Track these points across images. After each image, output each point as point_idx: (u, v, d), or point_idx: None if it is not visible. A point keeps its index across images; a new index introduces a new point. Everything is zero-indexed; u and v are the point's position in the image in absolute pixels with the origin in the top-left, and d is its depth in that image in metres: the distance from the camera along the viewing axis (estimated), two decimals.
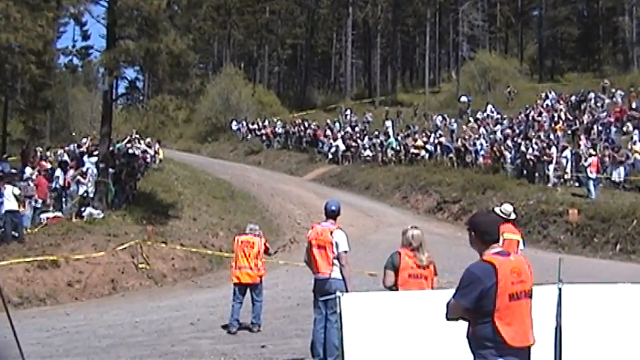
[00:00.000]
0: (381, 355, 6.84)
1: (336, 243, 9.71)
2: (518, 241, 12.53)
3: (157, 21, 24.79)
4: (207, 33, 68.85)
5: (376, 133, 47.87)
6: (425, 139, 42.29)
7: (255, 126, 57.06)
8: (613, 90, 46.71)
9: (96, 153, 27.64)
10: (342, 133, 50.20)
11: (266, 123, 57.29)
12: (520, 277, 5.13)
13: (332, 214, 10.11)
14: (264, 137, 55.11)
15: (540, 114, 42.94)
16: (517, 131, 39.76)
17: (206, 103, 56.78)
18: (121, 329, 14.66)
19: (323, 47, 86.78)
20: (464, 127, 43.85)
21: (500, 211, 12.76)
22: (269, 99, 69.39)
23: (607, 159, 31.83)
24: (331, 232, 9.88)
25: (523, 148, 34.25)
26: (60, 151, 35.80)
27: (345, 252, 9.85)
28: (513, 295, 5.06)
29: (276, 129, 54.95)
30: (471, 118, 47.30)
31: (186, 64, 26.30)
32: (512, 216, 12.79)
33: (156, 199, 29.28)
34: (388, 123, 51.07)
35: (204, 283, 22.68)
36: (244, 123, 57.95)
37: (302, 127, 53.84)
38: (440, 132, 44.45)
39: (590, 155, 30.54)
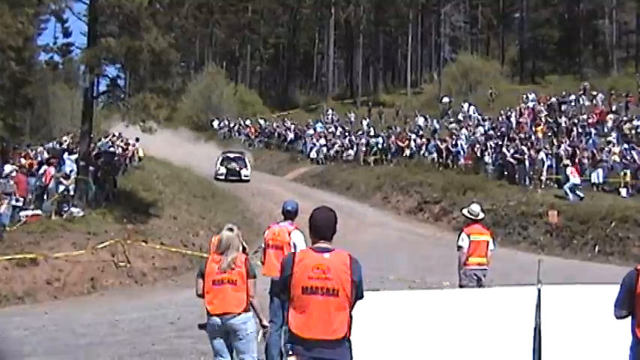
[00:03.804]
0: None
1: (294, 244, 9.54)
2: (488, 242, 12.54)
3: (138, 19, 24.66)
4: (189, 31, 68.33)
5: (360, 133, 48.05)
6: (414, 137, 42.46)
7: (237, 125, 57.02)
8: (593, 92, 47.00)
9: (76, 151, 27.47)
10: (324, 132, 50.34)
11: (247, 122, 57.24)
12: (325, 275, 5.20)
13: (289, 215, 10.02)
14: (245, 137, 55.08)
15: (521, 115, 43.14)
16: (498, 132, 39.92)
17: (188, 102, 56.64)
18: (100, 328, 14.60)
19: (305, 47, 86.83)
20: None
21: (468, 211, 12.78)
22: (251, 98, 69.36)
23: (586, 161, 32.03)
24: (289, 233, 9.79)
25: (504, 150, 34.38)
26: (40, 149, 35.57)
27: None
28: (307, 289, 5.21)
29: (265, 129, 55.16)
30: (452, 119, 47.52)
31: (167, 62, 26.19)
32: (481, 216, 12.78)
33: (136, 198, 29.16)
34: (365, 123, 51.30)
35: (184, 283, 22.57)
36: (226, 122, 57.86)
37: (284, 127, 53.92)
38: (422, 132, 44.66)
39: (567, 166, 30.73)
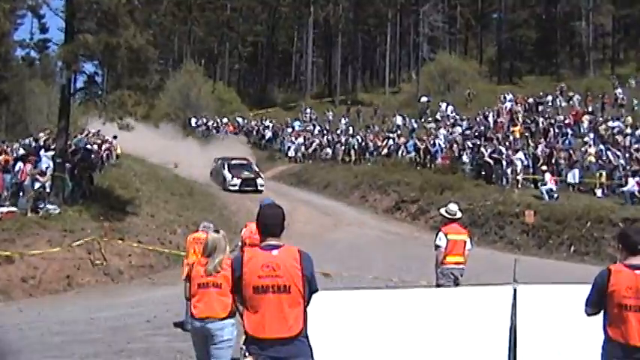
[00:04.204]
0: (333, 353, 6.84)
1: None
2: (465, 241, 12.60)
3: (116, 15, 24.50)
4: (167, 29, 68.27)
5: (338, 131, 48.14)
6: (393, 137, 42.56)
7: (215, 123, 56.88)
8: (570, 93, 47.41)
9: (52, 147, 27.28)
10: (303, 131, 50.40)
11: (225, 120, 57.12)
12: (275, 272, 5.22)
13: None
14: (223, 134, 54.93)
15: (499, 116, 43.37)
16: (475, 132, 40.10)
17: (165, 99, 56.31)
18: (75, 326, 14.51)
19: (284, 45, 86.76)
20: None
21: (446, 211, 12.83)
22: (229, 96, 69.15)
23: (562, 161, 32.25)
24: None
25: (482, 150, 34.53)
26: (16, 145, 35.28)
27: None
28: (259, 288, 5.22)
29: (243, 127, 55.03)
30: (430, 119, 47.70)
31: (145, 59, 26.04)
32: (458, 215, 12.83)
33: (113, 195, 28.98)
34: (343, 121, 51.41)
35: (160, 281, 22.51)
36: (204, 120, 57.71)
37: (262, 125, 53.88)
38: (400, 132, 44.81)
39: (545, 172, 30.96)
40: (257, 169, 41.30)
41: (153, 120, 48.65)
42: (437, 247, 12.40)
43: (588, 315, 6.12)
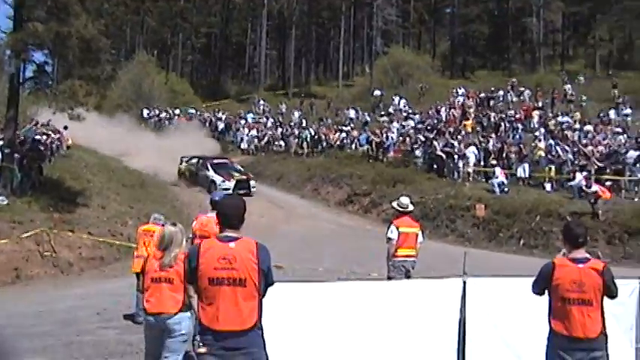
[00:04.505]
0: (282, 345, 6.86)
1: None
2: (417, 234, 12.68)
3: (67, 4, 24.14)
4: (119, 19, 67.59)
5: (291, 124, 48.12)
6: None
7: (167, 114, 56.44)
8: (521, 88, 47.96)
9: (1, 137, 26.84)
10: (256, 123, 50.29)
11: (177, 111, 56.72)
12: (231, 265, 5.23)
13: (216, 205, 10.02)
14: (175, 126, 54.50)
15: (451, 110, 43.70)
16: (428, 126, 40.35)
17: (118, 90, 55.68)
18: (23, 319, 14.31)
19: (237, 37, 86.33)
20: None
21: (398, 204, 12.91)
22: (182, 87, 68.65)
23: (513, 156, 32.64)
24: (216, 223, 9.75)
25: (434, 143, 34.79)
26: None
27: None
28: (214, 280, 5.23)
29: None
30: (383, 112, 47.90)
31: (97, 49, 25.70)
32: (410, 208, 12.92)
33: (63, 186, 28.60)
34: (296, 114, 51.40)
35: (111, 273, 22.31)
36: (156, 111, 57.23)
37: (215, 117, 53.63)
38: (353, 125, 44.95)
39: (496, 165, 31.32)
40: (242, 169, 38.67)
41: (105, 111, 48.09)
42: (388, 239, 12.46)
43: (535, 294, 6.27)
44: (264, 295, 5.41)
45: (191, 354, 8.80)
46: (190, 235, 10.23)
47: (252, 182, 36.22)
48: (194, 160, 39.01)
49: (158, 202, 31.34)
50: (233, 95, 72.61)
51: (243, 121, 52.30)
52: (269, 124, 50.61)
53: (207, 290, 5.28)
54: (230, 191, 33.84)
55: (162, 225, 13.32)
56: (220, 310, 5.23)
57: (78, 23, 23.93)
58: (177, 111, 57.37)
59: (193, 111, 58.99)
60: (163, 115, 56.55)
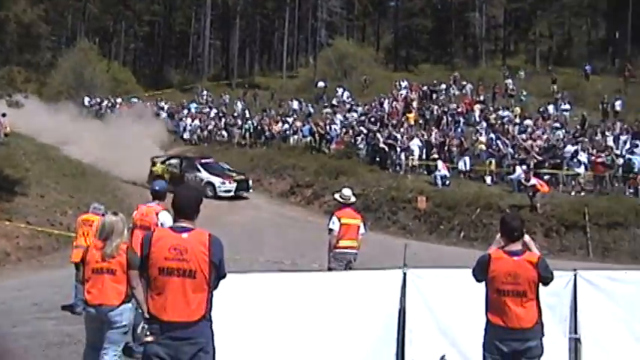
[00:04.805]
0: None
1: (162, 224, 9.41)
2: (359, 226, 12.74)
3: None
4: (60, 4, 66.21)
5: (234, 114, 47.91)
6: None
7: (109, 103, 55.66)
8: (463, 82, 48.48)
9: None
10: (199, 113, 49.98)
11: (119, 100, 56.00)
12: (182, 256, 5.21)
13: (157, 195, 9.95)
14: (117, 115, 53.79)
15: (394, 102, 43.94)
16: (371, 118, 40.54)
17: (59, 77, 54.67)
18: None
19: (181, 26, 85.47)
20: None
21: (340, 195, 12.98)
22: (124, 76, 67.70)
23: (455, 149, 33.00)
24: (156, 214, 9.68)
25: (377, 135, 34.98)
26: None
27: None
28: (164, 270, 5.20)
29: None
30: (326, 104, 48.00)
31: (36, 35, 25.29)
32: (352, 200, 13.00)
33: (1, 175, 28.08)
34: (239, 104, 51.22)
35: (49, 263, 21.98)
36: (97, 99, 56.41)
37: (157, 106, 53.13)
38: (296, 116, 44.97)
39: (438, 159, 31.66)
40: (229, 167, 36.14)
41: (46, 98, 47.19)
42: (330, 231, 12.51)
43: (478, 282, 6.38)
44: (215, 288, 5.38)
45: (130, 345, 8.75)
46: (130, 226, 10.12)
47: (250, 182, 34.75)
48: (174, 161, 36.25)
49: (99, 191, 30.91)
50: (176, 85, 71.94)
51: (186, 111, 51.90)
52: (212, 115, 50.29)
53: (156, 280, 5.24)
54: (232, 193, 33.50)
55: (102, 215, 13.13)
56: (168, 300, 5.20)
57: (16, 8, 23.51)
58: (119, 100, 56.61)
59: (136, 100, 58.32)
60: (105, 103, 55.73)
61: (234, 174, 34.58)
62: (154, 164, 35.67)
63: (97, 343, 7.48)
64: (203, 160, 35.83)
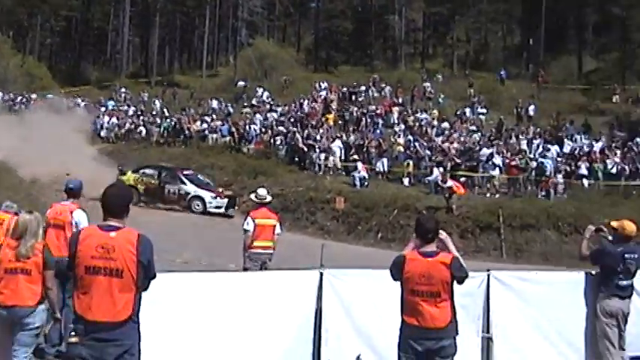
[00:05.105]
0: None
1: (76, 223, 9.22)
2: (274, 226, 12.75)
3: None
4: None
5: (153, 113, 47.33)
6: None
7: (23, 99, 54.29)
8: (382, 84, 48.95)
9: None
10: (116, 111, 49.21)
11: (34, 96, 54.66)
12: (108, 255, 5.14)
13: (72, 193, 9.74)
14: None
15: (314, 103, 44.09)
16: (291, 119, 40.61)
17: None
18: None
19: (99, 22, 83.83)
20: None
21: (255, 195, 12.99)
22: (39, 71, 66.04)
23: (373, 150, 33.30)
24: (71, 212, 9.49)
25: (297, 136, 35.05)
26: None
27: None
28: (90, 268, 5.13)
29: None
30: (246, 104, 47.87)
31: None
32: (267, 199, 13.02)
33: None
34: (158, 103, 50.67)
35: None
36: (11, 95, 54.97)
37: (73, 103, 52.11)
38: (215, 115, 44.69)
39: (357, 160, 31.92)
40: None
41: None
42: (245, 231, 12.52)
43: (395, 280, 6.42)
44: (145, 289, 5.30)
45: (42, 347, 8.56)
46: (44, 224, 9.88)
47: (237, 199, 31.22)
48: (150, 171, 32.65)
49: (12, 189, 30.02)
50: (94, 82, 70.64)
51: (103, 109, 51.04)
52: (130, 113, 49.59)
53: (82, 279, 5.13)
54: (223, 210, 30.50)
55: (15, 213, 12.77)
56: (94, 299, 5.09)
57: None
58: (34, 95, 55.25)
59: (52, 96, 56.98)
60: (19, 99, 54.33)
61: (219, 189, 31.71)
62: (122, 173, 32.29)
63: (6, 345, 7.27)
64: (185, 172, 32.55)
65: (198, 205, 30.50)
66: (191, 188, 30.97)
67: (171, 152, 39.98)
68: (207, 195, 30.70)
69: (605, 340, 8.28)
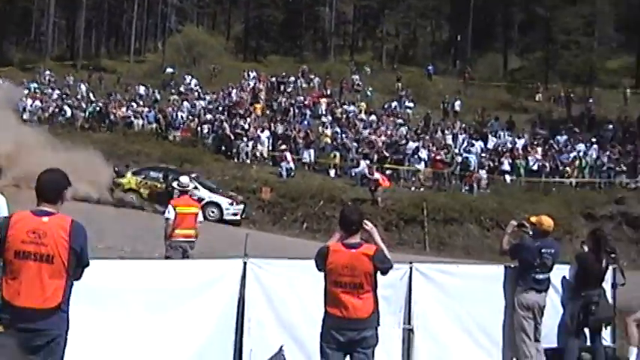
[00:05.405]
0: None
1: None
2: (196, 214, 12.73)
3: None
4: None
5: (78, 97, 46.45)
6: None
7: None
8: (311, 76, 49.07)
9: None
10: (39, 93, 48.15)
11: None
12: (40, 240, 5.07)
13: None
14: None
15: (242, 92, 43.95)
16: (219, 107, 40.41)
17: None
18: None
19: (23, 2, 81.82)
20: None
21: (178, 184, 12.95)
22: None
23: (300, 141, 33.38)
24: None
25: (224, 124, 34.90)
26: None
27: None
28: (20, 253, 5.05)
29: None
30: (174, 91, 47.43)
31: None
32: (190, 187, 13.01)
33: None
34: (84, 87, 49.79)
35: None
36: None
37: None
38: (142, 102, 44.15)
39: (284, 150, 31.97)
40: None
41: None
42: (166, 219, 12.48)
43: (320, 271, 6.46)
44: (78, 277, 5.26)
45: None
46: None
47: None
48: (155, 174, 28.47)
49: None
50: (17, 63, 68.91)
51: (26, 91, 49.87)
52: (54, 96, 48.58)
53: (12, 264, 5.03)
54: (238, 217, 27.37)
55: None
56: (23, 285, 4.99)
57: None
58: None
59: None
60: None
61: (231, 193, 28.68)
62: (119, 175, 28.87)
63: None
64: (193, 175, 26.85)
65: (213, 212, 26.43)
66: (205, 194, 26.86)
67: (97, 137, 39.31)
68: (224, 201, 27.25)
69: (522, 333, 8.50)
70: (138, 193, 27.80)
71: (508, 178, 31.43)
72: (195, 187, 25.66)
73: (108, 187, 28.07)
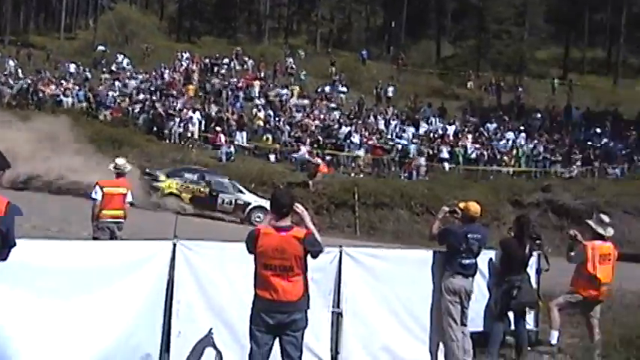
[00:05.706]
0: None
1: None
2: (124, 194, 12.60)
3: None
4: None
5: (5, 73, 45.26)
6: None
7: None
8: (245, 58, 48.82)
9: None
10: None
11: None
12: None
13: None
14: None
15: (174, 73, 43.54)
16: (151, 87, 39.95)
17: None
18: None
19: None
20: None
21: (115, 166, 12.80)
22: None
23: (234, 123, 33.25)
24: None
25: (156, 105, 34.53)
26: None
27: None
28: None
29: None
30: (105, 69, 46.66)
31: None
32: (127, 169, 12.87)
33: None
34: (12, 63, 48.58)
35: None
36: None
37: None
38: (72, 80, 43.31)
39: (218, 132, 31.87)
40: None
41: None
42: (93, 200, 12.34)
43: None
44: (4, 259, 5.33)
45: None
46: None
47: None
48: (191, 176, 27.22)
49: None
50: None
51: None
52: None
53: None
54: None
55: None
56: None
57: None
58: None
59: None
60: None
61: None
62: (154, 178, 26.75)
63: None
64: (227, 179, 27.39)
65: (259, 217, 24.25)
66: (251, 198, 26.51)
67: (25, 115, 38.43)
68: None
69: (449, 317, 8.64)
70: (179, 197, 26.48)
71: (447, 165, 31.84)
72: (241, 191, 26.79)
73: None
